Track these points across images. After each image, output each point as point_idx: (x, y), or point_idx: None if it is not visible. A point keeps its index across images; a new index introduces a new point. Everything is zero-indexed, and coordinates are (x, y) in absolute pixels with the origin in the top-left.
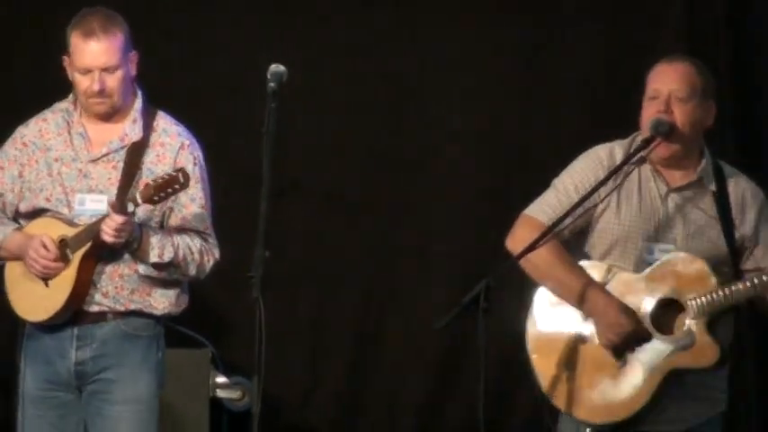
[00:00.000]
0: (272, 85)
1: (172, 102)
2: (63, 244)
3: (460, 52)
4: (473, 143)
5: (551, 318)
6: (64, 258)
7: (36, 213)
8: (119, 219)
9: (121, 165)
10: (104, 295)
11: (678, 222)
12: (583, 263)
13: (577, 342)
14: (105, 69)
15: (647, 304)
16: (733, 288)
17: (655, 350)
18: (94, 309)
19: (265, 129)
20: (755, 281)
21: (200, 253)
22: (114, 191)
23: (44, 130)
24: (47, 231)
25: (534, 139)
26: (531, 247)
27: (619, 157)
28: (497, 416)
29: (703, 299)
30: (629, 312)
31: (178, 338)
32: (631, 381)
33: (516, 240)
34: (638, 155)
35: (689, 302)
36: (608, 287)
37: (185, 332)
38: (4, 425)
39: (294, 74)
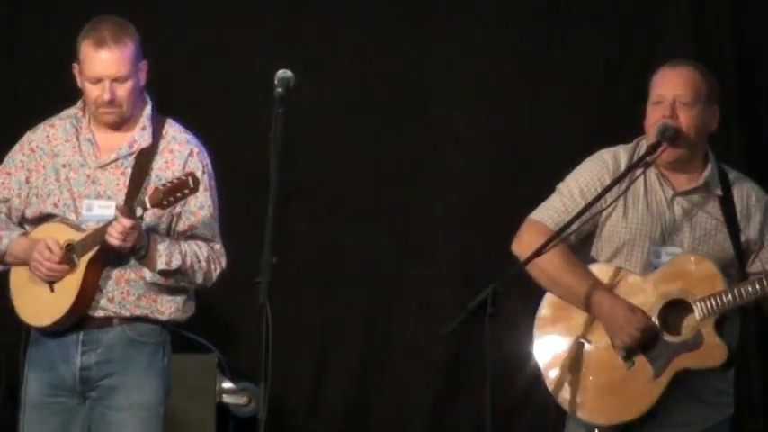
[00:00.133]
0: (279, 90)
1: (178, 107)
2: (69, 249)
3: (465, 56)
4: (478, 147)
5: (558, 321)
6: (70, 263)
7: (42, 219)
8: (126, 222)
9: (130, 171)
10: (110, 300)
11: (685, 226)
12: (591, 265)
13: (584, 344)
14: (115, 79)
15: (655, 305)
16: (741, 289)
17: (663, 351)
18: (100, 314)
19: (272, 134)
20: (764, 282)
21: (207, 261)
22: (122, 197)
23: (52, 136)
24: (54, 236)
25: (538, 141)
26: (539, 252)
27: (623, 161)
28: (505, 420)
29: (711, 299)
30: (638, 312)
31: (184, 344)
32: (640, 382)
33: (523, 245)
34: (645, 160)
35: (697, 303)
36: (616, 290)
37: (192, 337)
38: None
39: (298, 78)
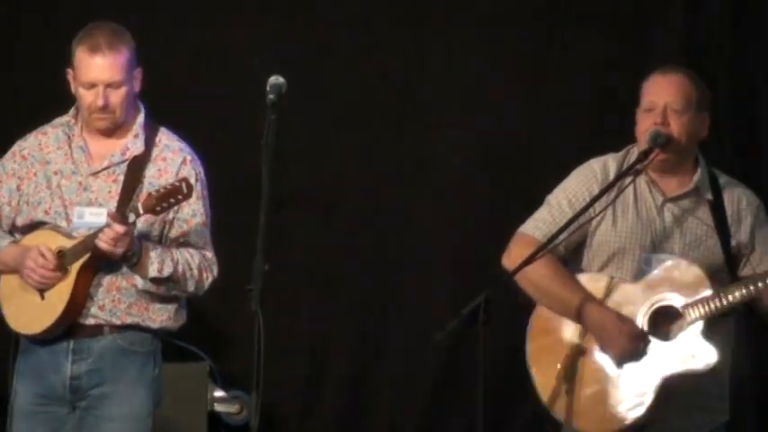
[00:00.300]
0: (271, 96)
1: (172, 113)
2: (60, 256)
3: (463, 57)
4: (476, 150)
5: (550, 331)
6: (61, 270)
7: (33, 227)
8: (119, 228)
9: (122, 178)
10: (101, 308)
11: (675, 232)
12: (582, 275)
13: (576, 354)
14: (109, 85)
15: (644, 311)
16: (727, 293)
17: (652, 357)
18: (91, 322)
19: (264, 141)
20: (750, 286)
21: (198, 269)
22: (114, 204)
23: (43, 144)
24: (45, 243)
25: (537, 143)
26: (527, 263)
27: (612, 169)
28: (497, 428)
29: (699, 305)
30: (627, 321)
31: (176, 352)
32: (631, 389)
33: (512, 258)
34: (636, 167)
35: (685, 309)
36: (606, 299)
37: (183, 346)
38: None
39: (296, 80)
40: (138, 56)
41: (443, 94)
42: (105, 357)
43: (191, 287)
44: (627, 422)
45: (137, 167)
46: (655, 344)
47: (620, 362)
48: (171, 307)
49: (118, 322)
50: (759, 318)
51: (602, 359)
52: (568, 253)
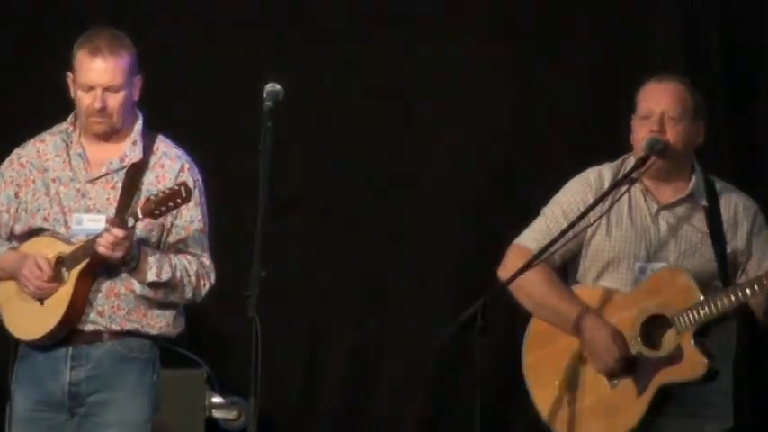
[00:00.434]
0: (268, 103)
1: (168, 120)
2: (59, 261)
3: (456, 68)
4: (470, 159)
5: (546, 343)
6: (59, 277)
7: (32, 233)
8: (118, 233)
9: (120, 185)
10: (100, 314)
11: (670, 240)
12: (577, 287)
13: (572, 366)
14: (108, 88)
15: (636, 321)
16: (717, 300)
17: (645, 367)
18: (90, 328)
19: (262, 147)
20: (738, 292)
21: (196, 275)
22: (112, 211)
23: (42, 152)
24: (44, 249)
25: (530, 153)
26: (520, 272)
27: (607, 178)
28: None
29: (688, 313)
30: (618, 341)
31: (173, 358)
32: (624, 400)
33: (507, 270)
34: (631, 175)
35: (675, 317)
36: (599, 309)
37: (180, 352)
38: None
39: (291, 90)
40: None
41: (440, 102)
42: (104, 364)
43: (188, 293)
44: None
45: (135, 174)
46: (646, 354)
47: (608, 374)
48: (169, 313)
49: (117, 328)
50: (758, 321)
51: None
52: (564, 263)
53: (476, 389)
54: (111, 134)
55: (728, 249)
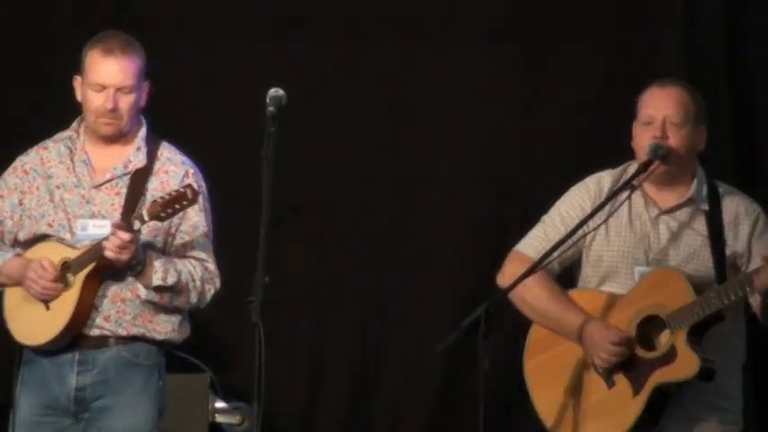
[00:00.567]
0: (271, 109)
1: (172, 126)
2: (65, 266)
3: (457, 74)
4: (472, 165)
5: (546, 348)
6: (65, 281)
7: (36, 240)
8: (125, 236)
9: (125, 191)
10: (106, 319)
11: (671, 246)
12: (573, 292)
13: (571, 369)
14: (119, 89)
15: (631, 322)
16: (708, 299)
17: (640, 368)
18: (96, 333)
19: (264, 153)
20: (729, 290)
21: (201, 281)
22: (117, 216)
23: (45, 158)
24: (49, 255)
25: (532, 159)
26: (520, 280)
27: (607, 185)
28: None
29: (680, 312)
30: (612, 328)
31: (177, 364)
32: (621, 401)
33: (506, 277)
34: (632, 182)
35: (668, 317)
36: (595, 312)
37: (184, 357)
38: None
39: (292, 97)
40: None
41: (442, 108)
42: (110, 369)
43: (193, 298)
44: None
45: (139, 180)
46: (641, 354)
47: (606, 370)
48: (175, 319)
49: (124, 333)
50: (758, 317)
51: (594, 373)
52: (563, 270)
53: (479, 395)
54: (117, 138)
55: (728, 252)
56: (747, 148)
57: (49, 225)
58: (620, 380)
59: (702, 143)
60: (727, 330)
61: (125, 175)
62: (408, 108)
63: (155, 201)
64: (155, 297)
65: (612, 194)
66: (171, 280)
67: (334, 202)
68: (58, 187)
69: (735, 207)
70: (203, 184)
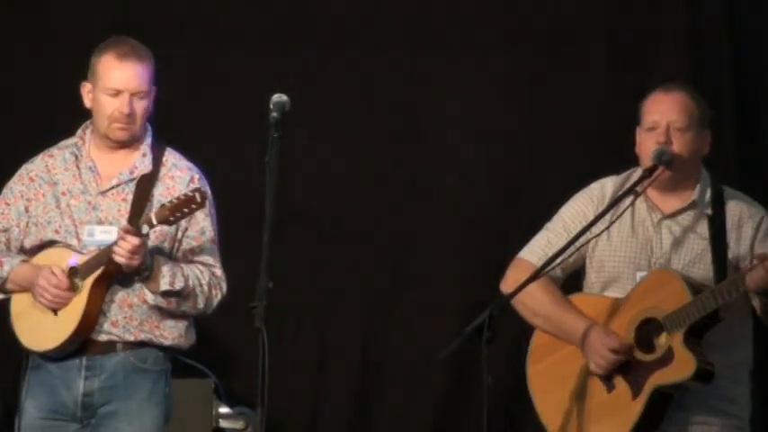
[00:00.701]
0: (274, 114)
1: (175, 133)
2: (73, 272)
3: (462, 79)
4: (475, 170)
5: (548, 353)
6: (73, 287)
7: (42, 247)
8: (134, 240)
9: (131, 197)
10: (114, 324)
11: (674, 250)
12: (574, 297)
13: (572, 375)
14: (134, 94)
15: (630, 325)
16: (703, 299)
17: (639, 371)
18: (103, 338)
19: (268, 159)
20: (724, 291)
21: (208, 286)
22: (124, 222)
23: (51, 166)
24: (57, 260)
25: (538, 167)
26: (523, 286)
27: (610, 191)
28: None
29: (676, 314)
30: (612, 334)
31: (181, 369)
32: (621, 404)
33: (509, 284)
34: (635, 188)
35: (665, 319)
36: (600, 317)
37: (188, 362)
38: None
39: (295, 102)
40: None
41: (448, 115)
42: (118, 375)
43: (200, 303)
44: None
45: (145, 186)
46: (640, 357)
47: (605, 375)
48: (182, 325)
49: (131, 338)
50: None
51: (594, 376)
52: (566, 276)
53: (483, 400)
54: (128, 144)
55: (731, 255)
56: (749, 149)
57: (56, 231)
58: (620, 383)
59: (706, 147)
60: (733, 334)
61: (131, 180)
62: (413, 115)
63: (163, 205)
64: (162, 302)
65: (615, 200)
66: (179, 285)
67: (337, 207)
68: (64, 194)
69: (738, 210)
70: (208, 189)
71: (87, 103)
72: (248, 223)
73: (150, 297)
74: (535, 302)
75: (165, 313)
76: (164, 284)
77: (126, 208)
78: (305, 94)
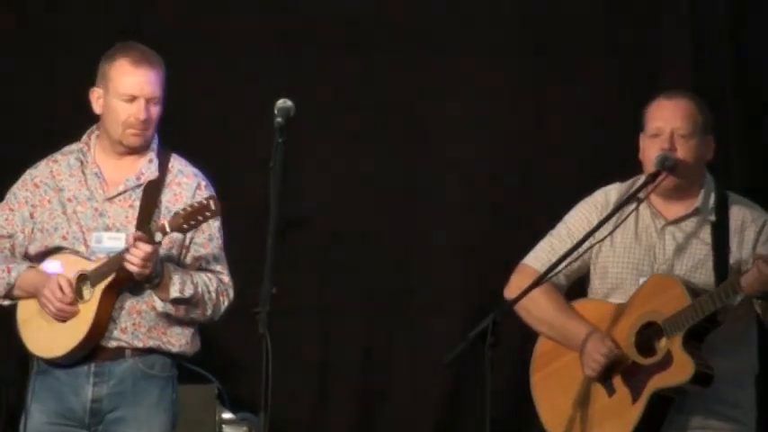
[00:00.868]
0: (279, 119)
1: (181, 136)
2: (82, 278)
3: (465, 85)
4: (480, 178)
5: (551, 360)
6: (81, 295)
7: (48, 253)
8: (147, 248)
9: (138, 203)
10: (123, 331)
11: (677, 257)
12: (576, 303)
13: (574, 381)
14: (149, 99)
15: (631, 329)
16: (701, 302)
17: (639, 374)
18: (113, 344)
19: (272, 164)
20: (722, 293)
21: (216, 292)
22: (131, 229)
23: (55, 171)
24: (65, 267)
25: (542, 173)
26: (527, 292)
27: (613, 198)
28: None
29: (675, 317)
30: (607, 341)
31: (184, 374)
32: (621, 408)
33: (512, 290)
34: (638, 194)
35: (664, 323)
36: (601, 323)
37: (191, 368)
38: None
39: (299, 108)
40: None
41: (453, 118)
42: (126, 381)
43: (209, 311)
44: None
45: (152, 192)
46: (639, 361)
47: (600, 379)
48: (188, 332)
49: (140, 345)
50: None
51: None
52: (570, 282)
53: (486, 405)
54: (139, 150)
55: (732, 260)
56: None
57: (63, 238)
58: (620, 387)
59: (710, 153)
60: (736, 339)
61: (137, 187)
62: (417, 120)
63: (177, 213)
64: (171, 309)
65: (619, 207)
66: (188, 292)
67: (341, 212)
68: (70, 200)
69: (741, 215)
70: (215, 195)
71: (97, 109)
72: (252, 228)
73: (159, 304)
74: (538, 308)
75: (172, 320)
76: (174, 292)
77: (133, 214)
78: (310, 98)
